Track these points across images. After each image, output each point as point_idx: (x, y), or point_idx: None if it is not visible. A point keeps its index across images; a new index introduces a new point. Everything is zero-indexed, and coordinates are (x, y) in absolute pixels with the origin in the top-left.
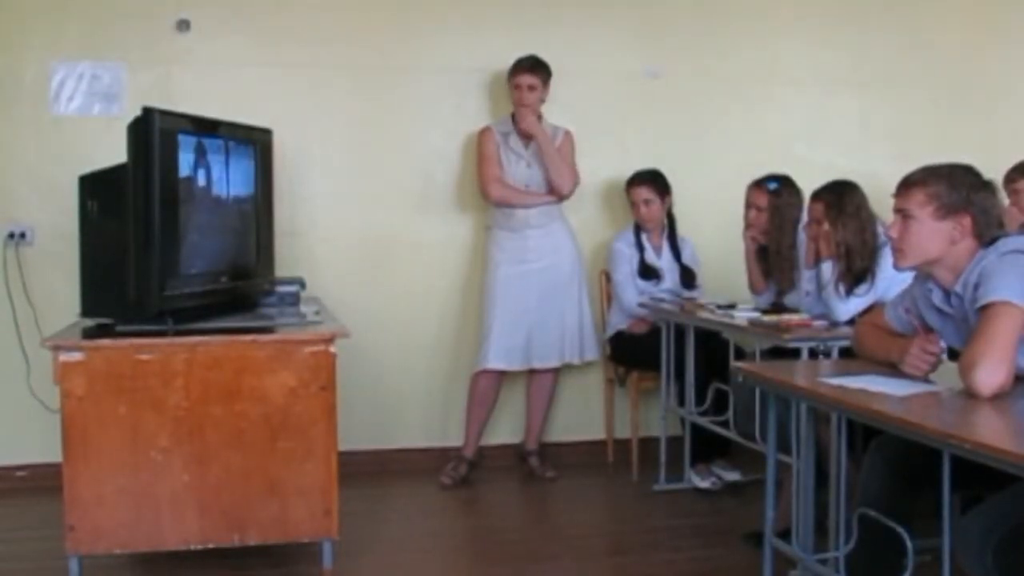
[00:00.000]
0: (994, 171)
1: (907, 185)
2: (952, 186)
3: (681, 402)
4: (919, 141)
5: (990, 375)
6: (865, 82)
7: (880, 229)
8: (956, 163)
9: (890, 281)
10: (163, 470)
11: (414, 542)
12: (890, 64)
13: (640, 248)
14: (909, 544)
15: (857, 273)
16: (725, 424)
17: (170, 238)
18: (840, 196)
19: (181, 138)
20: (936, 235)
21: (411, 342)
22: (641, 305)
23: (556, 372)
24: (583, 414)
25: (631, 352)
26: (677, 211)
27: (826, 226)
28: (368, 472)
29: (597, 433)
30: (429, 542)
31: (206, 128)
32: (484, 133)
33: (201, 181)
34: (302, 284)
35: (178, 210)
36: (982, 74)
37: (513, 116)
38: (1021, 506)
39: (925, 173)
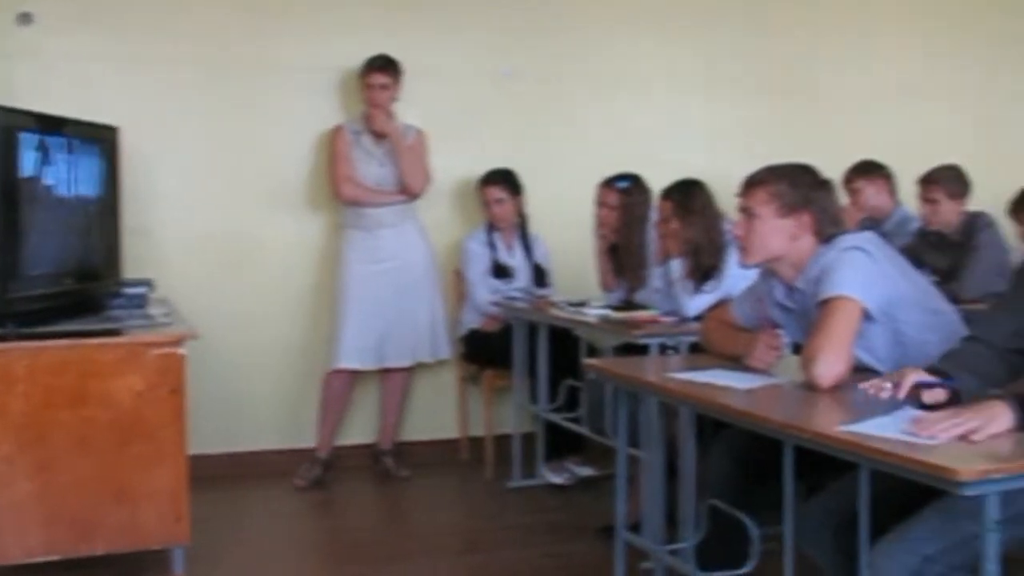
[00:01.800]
0: (833, 171)
1: (750, 184)
2: (793, 185)
3: (534, 399)
4: (765, 141)
5: (829, 367)
6: (714, 84)
7: (727, 227)
8: (797, 163)
9: (737, 277)
10: (5, 479)
11: (268, 546)
12: (738, 66)
13: (493, 247)
14: (754, 532)
15: (705, 270)
16: (577, 420)
17: (11, 240)
18: (688, 195)
19: (22, 136)
20: (778, 232)
21: (263, 342)
22: (494, 304)
23: (409, 371)
24: (437, 413)
25: (484, 350)
26: (530, 210)
27: (675, 224)
28: (221, 475)
29: (451, 432)
30: (283, 545)
31: (49, 126)
32: (336, 132)
33: (44, 180)
34: (150, 285)
35: (19, 211)
36: (823, 78)
37: (365, 115)
38: (859, 493)
39: (767, 172)
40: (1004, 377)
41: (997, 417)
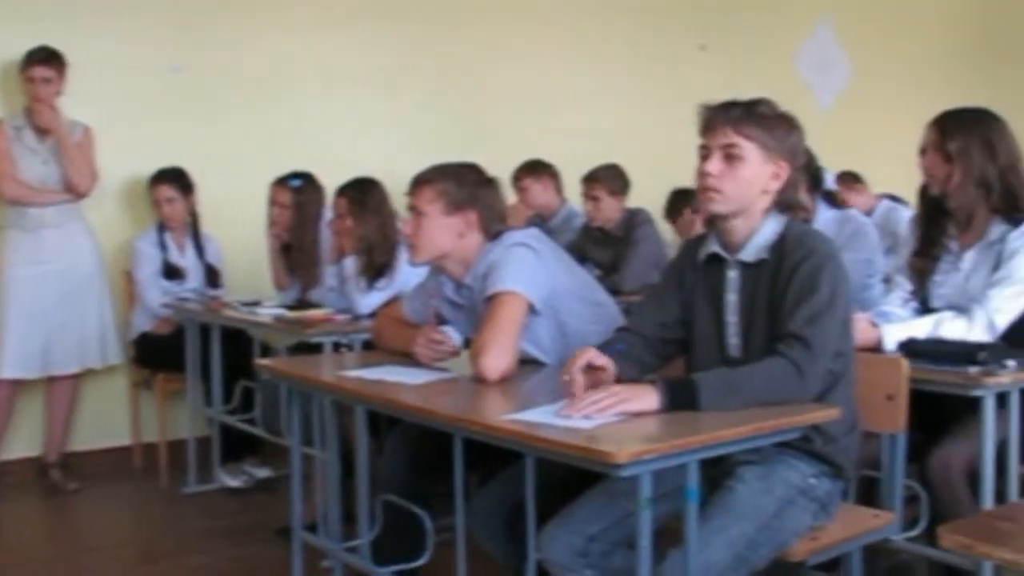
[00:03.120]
0: (504, 169)
1: (418, 183)
2: (459, 183)
3: (209, 402)
4: (439, 140)
5: (496, 360)
6: (392, 82)
7: (400, 225)
8: (463, 162)
9: (409, 275)
10: None
11: None
12: (414, 65)
13: (163, 247)
14: (428, 525)
15: (378, 267)
16: (253, 422)
17: None
18: (363, 193)
19: None
20: (446, 230)
21: None
22: (165, 305)
23: (77, 378)
24: (108, 420)
25: (156, 353)
26: (202, 209)
27: (349, 222)
28: None
29: (123, 439)
30: None
31: None
32: None
33: None
34: None
35: None
36: (495, 78)
37: (27, 110)
38: (525, 481)
39: (434, 172)
40: (655, 365)
41: (644, 396)
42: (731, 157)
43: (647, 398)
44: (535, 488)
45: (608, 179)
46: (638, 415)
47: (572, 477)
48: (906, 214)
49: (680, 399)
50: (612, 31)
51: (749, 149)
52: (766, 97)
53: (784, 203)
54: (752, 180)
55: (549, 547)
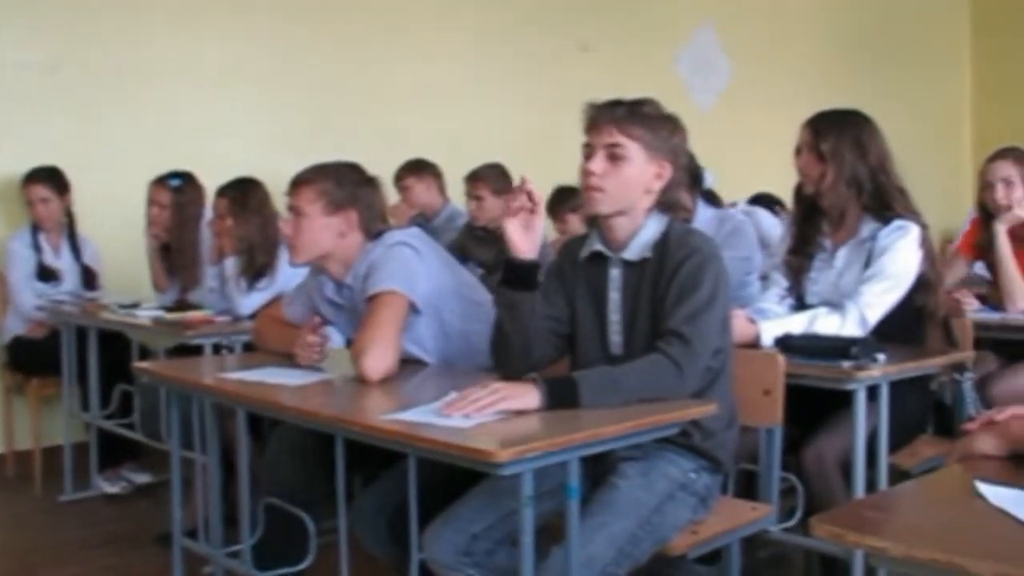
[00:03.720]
0: (387, 169)
1: (297, 183)
2: (339, 183)
3: (86, 407)
4: (321, 139)
5: (377, 360)
6: (273, 81)
7: (281, 225)
8: (343, 161)
9: (291, 275)
10: None
11: None
12: (296, 63)
13: (38, 248)
14: (311, 527)
15: (258, 268)
16: (132, 426)
17: None
18: (243, 193)
19: None
20: (326, 230)
21: None
22: (39, 308)
23: None
24: None
25: (30, 358)
26: (78, 209)
27: (230, 222)
28: None
29: None
30: None
31: None
32: None
33: None
34: None
35: None
36: (377, 76)
37: None
38: (408, 481)
39: (313, 171)
40: (548, 359)
41: (525, 394)
42: (615, 156)
43: (528, 396)
44: (418, 488)
45: (491, 178)
46: (519, 413)
47: (456, 476)
48: (765, 216)
49: (561, 397)
50: (494, 31)
51: (633, 149)
52: (651, 97)
53: (666, 203)
54: (635, 179)
55: (433, 547)
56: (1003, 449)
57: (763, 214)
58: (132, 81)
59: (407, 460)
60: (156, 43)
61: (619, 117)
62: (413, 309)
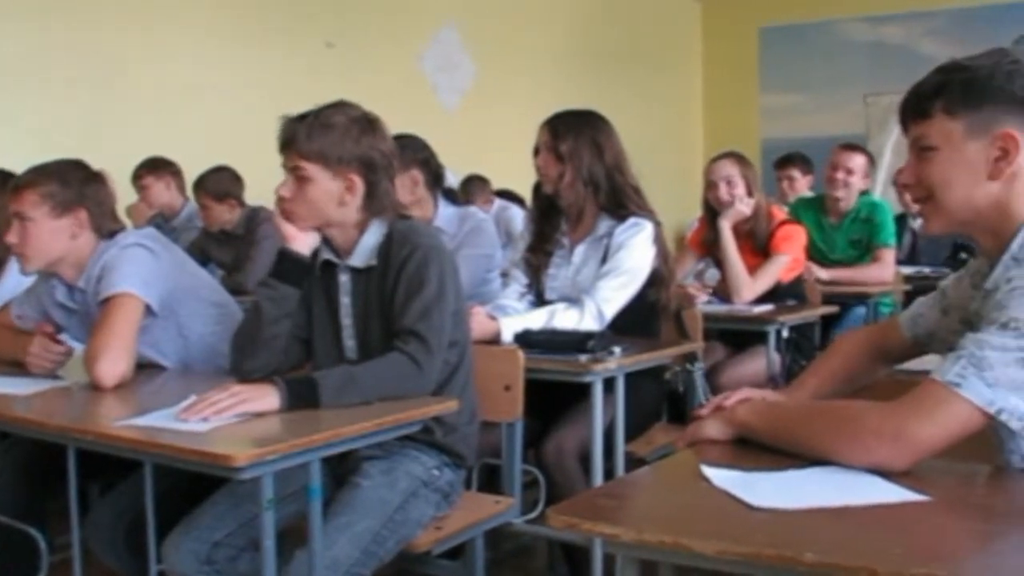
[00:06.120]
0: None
1: (19, 188)
2: (64, 183)
3: None
4: (61, 140)
5: (112, 365)
6: (19, 77)
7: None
8: (65, 160)
9: (18, 280)
10: None
11: None
12: (45, 60)
13: None
14: (43, 544)
15: None
16: None
17: None
18: None
19: None
20: (56, 234)
21: None
22: None
23: None
24: None
25: None
26: None
27: None
28: None
29: None
30: None
31: None
32: None
33: None
34: None
35: None
36: (123, 73)
37: None
38: (144, 489)
39: (34, 174)
40: (284, 367)
41: (265, 396)
42: (300, 179)
43: (268, 398)
44: (157, 496)
45: (211, 184)
46: (259, 415)
47: (198, 482)
48: (519, 212)
49: (301, 397)
50: (239, 27)
51: (313, 170)
52: (341, 102)
53: (378, 209)
54: (322, 199)
55: (173, 557)
56: (728, 434)
57: (517, 211)
58: None
59: (143, 469)
60: None
61: (299, 139)
62: (149, 312)
